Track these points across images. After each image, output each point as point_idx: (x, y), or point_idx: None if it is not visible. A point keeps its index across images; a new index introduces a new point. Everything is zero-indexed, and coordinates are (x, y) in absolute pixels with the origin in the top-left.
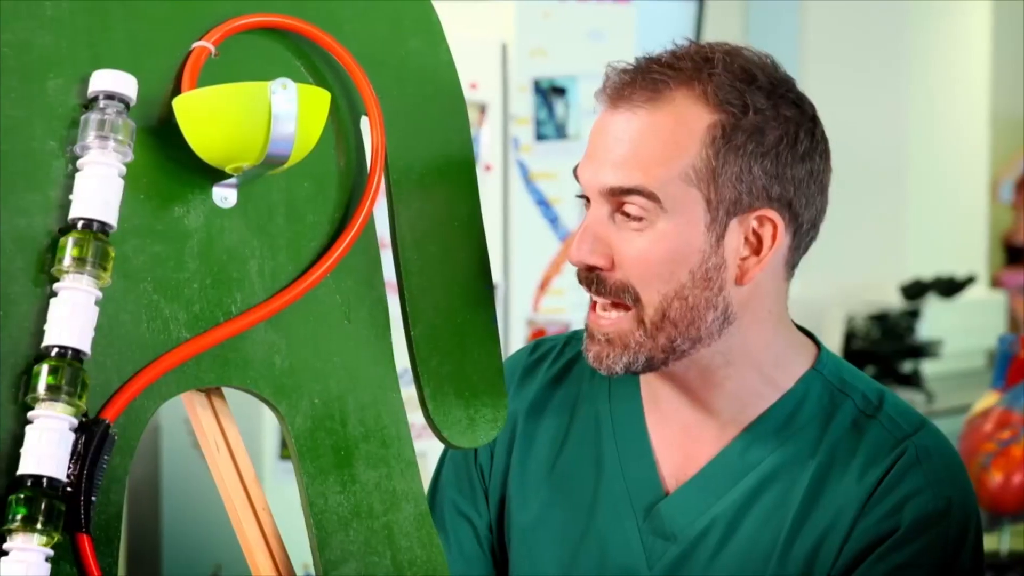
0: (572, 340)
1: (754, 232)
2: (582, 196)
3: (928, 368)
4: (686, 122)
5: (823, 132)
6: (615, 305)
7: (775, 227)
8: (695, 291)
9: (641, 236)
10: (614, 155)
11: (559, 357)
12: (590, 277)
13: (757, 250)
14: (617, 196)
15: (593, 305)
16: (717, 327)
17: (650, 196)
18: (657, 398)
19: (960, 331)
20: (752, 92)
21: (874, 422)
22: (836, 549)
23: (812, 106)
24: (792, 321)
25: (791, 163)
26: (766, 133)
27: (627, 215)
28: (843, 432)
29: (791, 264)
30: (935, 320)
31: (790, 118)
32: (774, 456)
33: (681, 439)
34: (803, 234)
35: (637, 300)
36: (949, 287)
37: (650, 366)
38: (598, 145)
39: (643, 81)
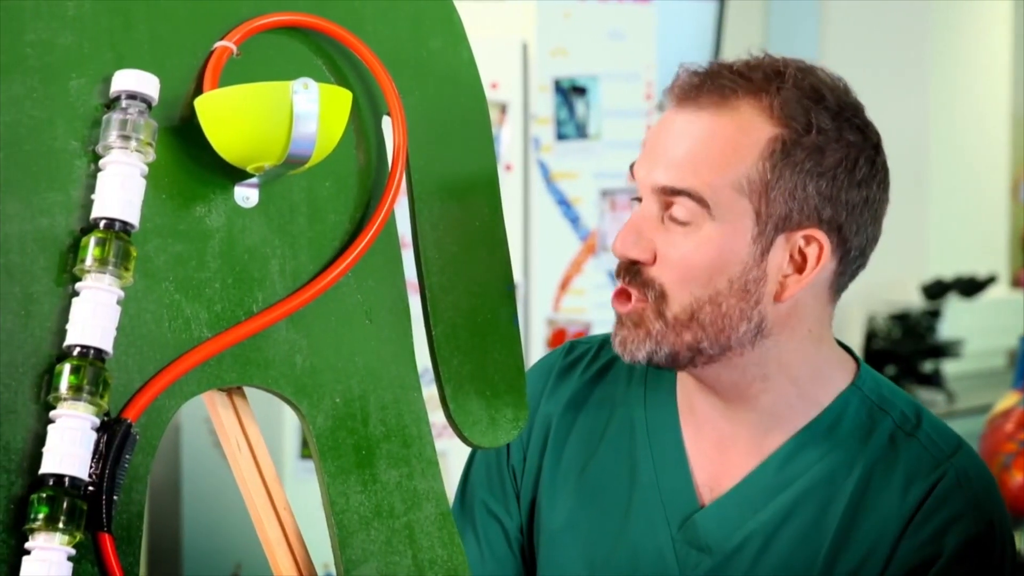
0: (607, 344)
1: (800, 251)
2: (636, 199)
3: (949, 368)
4: (748, 132)
5: (884, 162)
6: (639, 296)
7: (821, 248)
8: (730, 300)
9: (686, 239)
10: (670, 154)
11: (594, 360)
12: (631, 269)
13: (800, 269)
14: (667, 195)
15: (617, 291)
16: (749, 339)
17: (699, 200)
18: (693, 406)
19: (981, 331)
20: (818, 112)
21: (913, 440)
22: (877, 572)
23: (877, 134)
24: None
25: (847, 187)
26: (826, 154)
27: (675, 218)
28: (881, 450)
29: (836, 288)
30: (956, 320)
31: (852, 143)
32: (812, 472)
33: (716, 449)
34: (850, 260)
35: (661, 296)
36: (970, 287)
37: (674, 361)
38: (657, 143)
39: (712, 85)
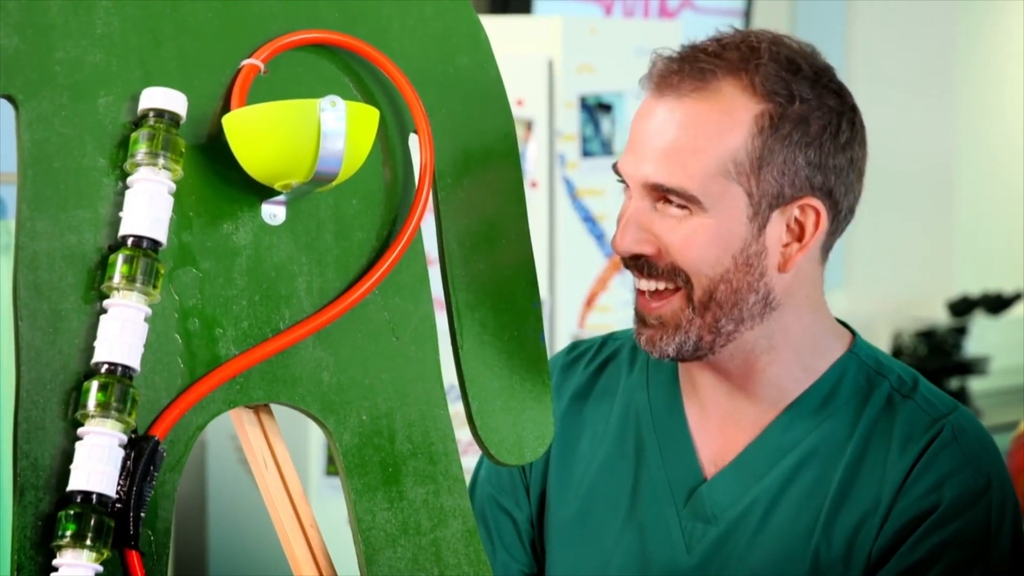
0: (608, 340)
1: (796, 220)
2: (623, 182)
3: (975, 385)
4: (732, 112)
5: (862, 120)
6: (665, 288)
7: (818, 215)
8: (738, 275)
9: (685, 223)
10: (656, 147)
11: (596, 355)
12: (639, 263)
13: (799, 237)
14: (656, 191)
15: (642, 292)
16: (759, 310)
17: (689, 199)
18: (697, 388)
19: (1007, 348)
20: (798, 82)
21: (909, 402)
22: (876, 527)
23: (851, 95)
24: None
25: (833, 152)
26: (811, 123)
27: (668, 211)
28: (879, 411)
29: (827, 249)
30: (982, 337)
31: (832, 108)
32: (812, 436)
33: (720, 426)
34: (841, 219)
35: (688, 281)
36: (996, 304)
37: (698, 349)
38: (640, 135)
39: (690, 70)
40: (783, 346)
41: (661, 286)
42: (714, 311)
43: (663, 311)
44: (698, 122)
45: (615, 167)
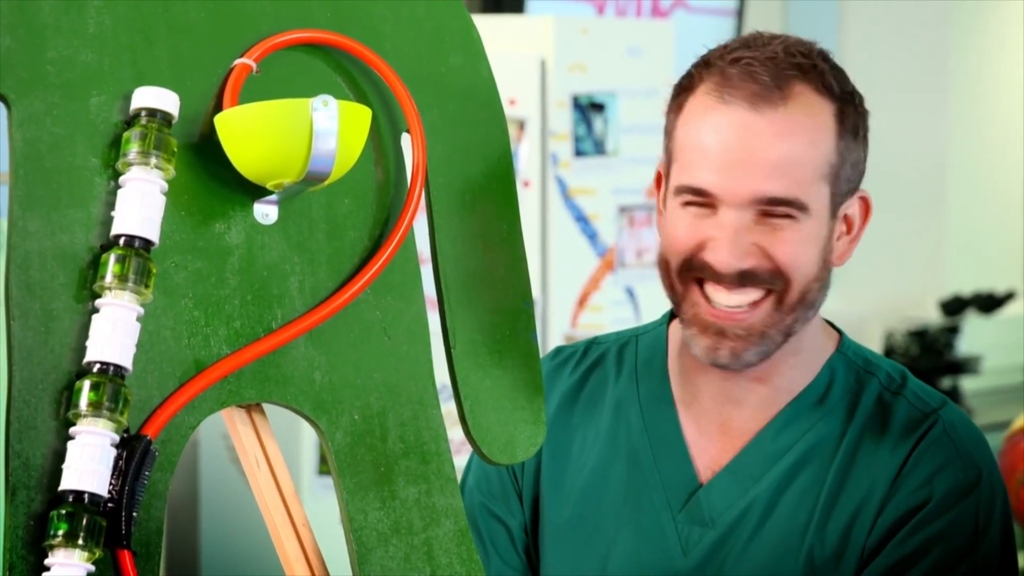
0: (592, 345)
1: (846, 213)
2: (694, 204)
3: (967, 384)
4: (816, 115)
5: None
6: (756, 299)
7: (867, 205)
8: (822, 272)
9: (790, 230)
10: (765, 161)
11: (582, 360)
12: (741, 278)
13: (848, 230)
14: (768, 204)
15: (713, 304)
16: (818, 306)
17: (801, 207)
18: (698, 395)
19: (999, 347)
20: (846, 80)
21: (900, 398)
22: (870, 522)
23: None
24: None
25: (867, 144)
26: (865, 116)
27: (776, 223)
28: (870, 409)
29: None
30: (974, 336)
31: (863, 100)
32: (807, 437)
33: (716, 430)
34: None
35: (786, 285)
36: (988, 303)
37: (769, 353)
38: (736, 149)
39: (773, 78)
40: (804, 346)
41: (757, 296)
42: (797, 312)
43: (752, 320)
44: (797, 130)
45: (687, 187)
